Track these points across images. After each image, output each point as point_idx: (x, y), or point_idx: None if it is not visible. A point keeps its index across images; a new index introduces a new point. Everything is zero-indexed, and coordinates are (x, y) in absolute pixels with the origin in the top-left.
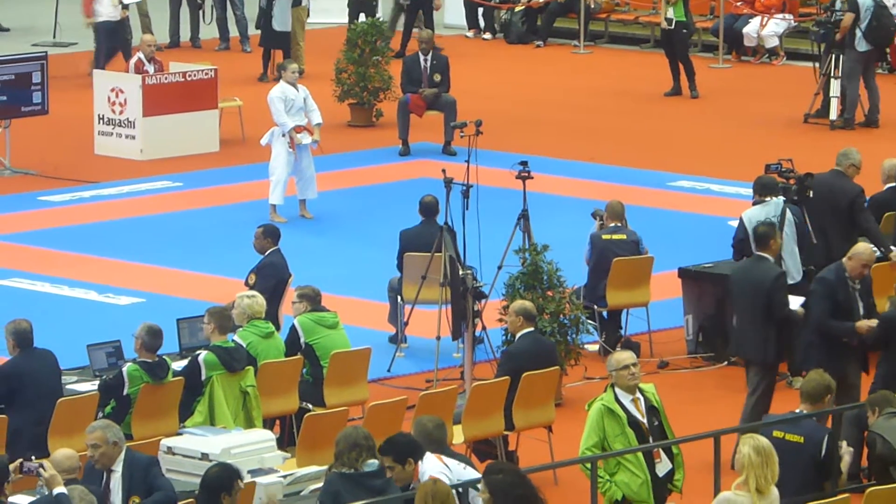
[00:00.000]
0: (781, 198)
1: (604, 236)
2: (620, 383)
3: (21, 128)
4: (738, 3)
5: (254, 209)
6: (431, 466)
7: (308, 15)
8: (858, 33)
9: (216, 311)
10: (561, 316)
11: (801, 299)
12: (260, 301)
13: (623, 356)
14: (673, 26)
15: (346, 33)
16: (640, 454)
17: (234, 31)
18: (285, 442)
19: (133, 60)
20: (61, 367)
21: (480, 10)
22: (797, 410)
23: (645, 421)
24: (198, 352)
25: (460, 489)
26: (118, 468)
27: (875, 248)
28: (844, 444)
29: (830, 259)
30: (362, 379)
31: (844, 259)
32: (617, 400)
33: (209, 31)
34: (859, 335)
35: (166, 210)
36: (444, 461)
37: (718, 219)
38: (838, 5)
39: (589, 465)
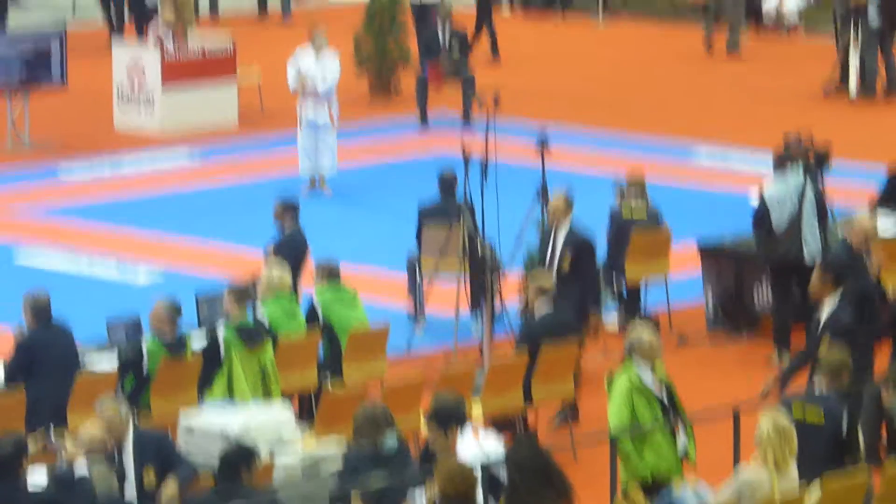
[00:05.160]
0: (801, 171)
1: (623, 208)
2: (646, 356)
3: (40, 101)
4: None
5: (273, 183)
6: (467, 446)
7: None
8: (871, 9)
9: (236, 287)
10: None
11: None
12: (287, 279)
13: (647, 330)
14: None
15: (366, 8)
16: (666, 430)
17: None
18: (304, 418)
19: (152, 34)
20: (81, 342)
21: None
22: (815, 386)
23: (665, 396)
24: (217, 327)
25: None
26: (128, 443)
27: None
28: None
29: None
30: (381, 355)
31: (846, 234)
32: (639, 376)
33: (228, 2)
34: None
35: (185, 184)
36: (483, 441)
37: (738, 194)
38: None
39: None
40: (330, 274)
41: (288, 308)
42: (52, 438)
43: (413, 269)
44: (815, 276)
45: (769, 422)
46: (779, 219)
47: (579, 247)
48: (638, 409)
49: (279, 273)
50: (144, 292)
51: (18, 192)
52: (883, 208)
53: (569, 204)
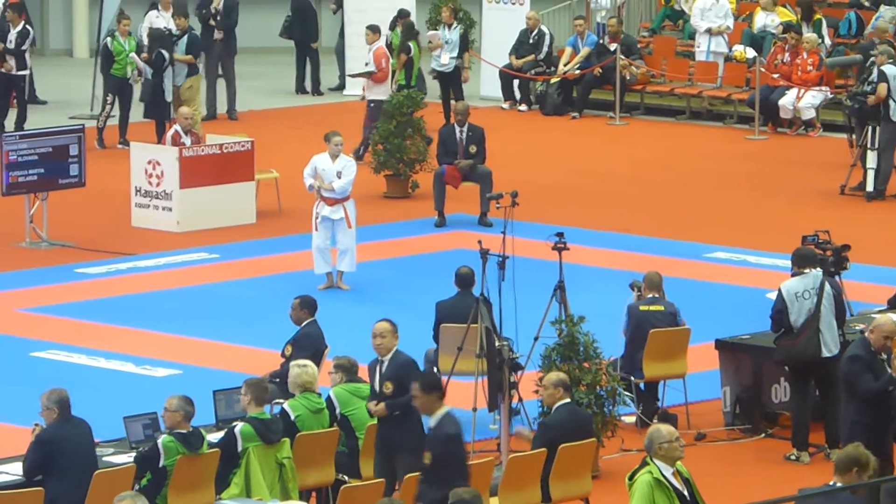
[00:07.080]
0: (820, 270)
1: (641, 307)
2: (670, 455)
3: (58, 200)
4: (775, 76)
5: (290, 281)
6: None
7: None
8: (892, 104)
9: (253, 383)
10: (597, 387)
11: None
12: (310, 371)
13: (670, 429)
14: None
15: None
16: None
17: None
18: None
19: (170, 133)
20: (98, 438)
21: (516, 81)
22: (831, 483)
23: (686, 493)
24: (234, 423)
25: None
26: None
27: None
28: None
29: None
30: None
31: (867, 333)
32: (660, 472)
33: (245, 103)
34: None
35: (203, 282)
36: None
37: (756, 290)
38: (874, 76)
39: None
40: (347, 370)
41: (315, 407)
42: None
43: (431, 366)
44: (420, 397)
45: None
46: (797, 315)
47: (402, 372)
48: None
49: (300, 367)
50: (161, 388)
51: (36, 289)
52: None
53: (395, 329)
